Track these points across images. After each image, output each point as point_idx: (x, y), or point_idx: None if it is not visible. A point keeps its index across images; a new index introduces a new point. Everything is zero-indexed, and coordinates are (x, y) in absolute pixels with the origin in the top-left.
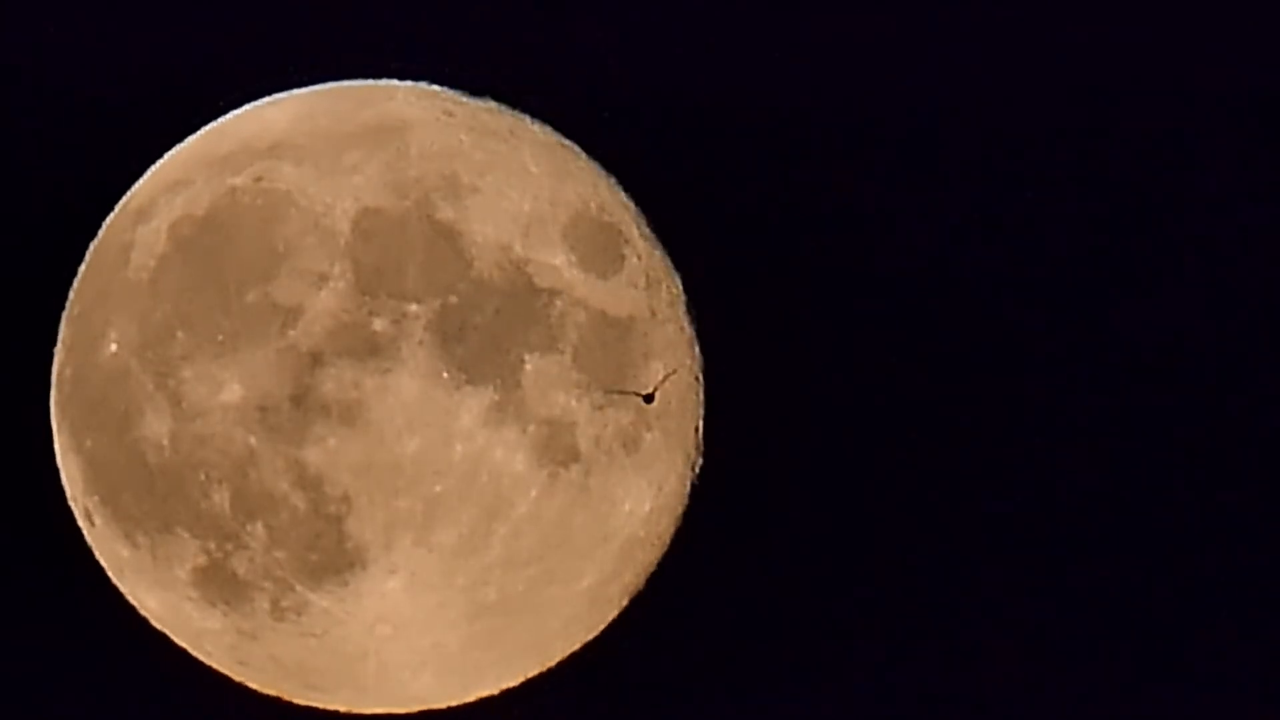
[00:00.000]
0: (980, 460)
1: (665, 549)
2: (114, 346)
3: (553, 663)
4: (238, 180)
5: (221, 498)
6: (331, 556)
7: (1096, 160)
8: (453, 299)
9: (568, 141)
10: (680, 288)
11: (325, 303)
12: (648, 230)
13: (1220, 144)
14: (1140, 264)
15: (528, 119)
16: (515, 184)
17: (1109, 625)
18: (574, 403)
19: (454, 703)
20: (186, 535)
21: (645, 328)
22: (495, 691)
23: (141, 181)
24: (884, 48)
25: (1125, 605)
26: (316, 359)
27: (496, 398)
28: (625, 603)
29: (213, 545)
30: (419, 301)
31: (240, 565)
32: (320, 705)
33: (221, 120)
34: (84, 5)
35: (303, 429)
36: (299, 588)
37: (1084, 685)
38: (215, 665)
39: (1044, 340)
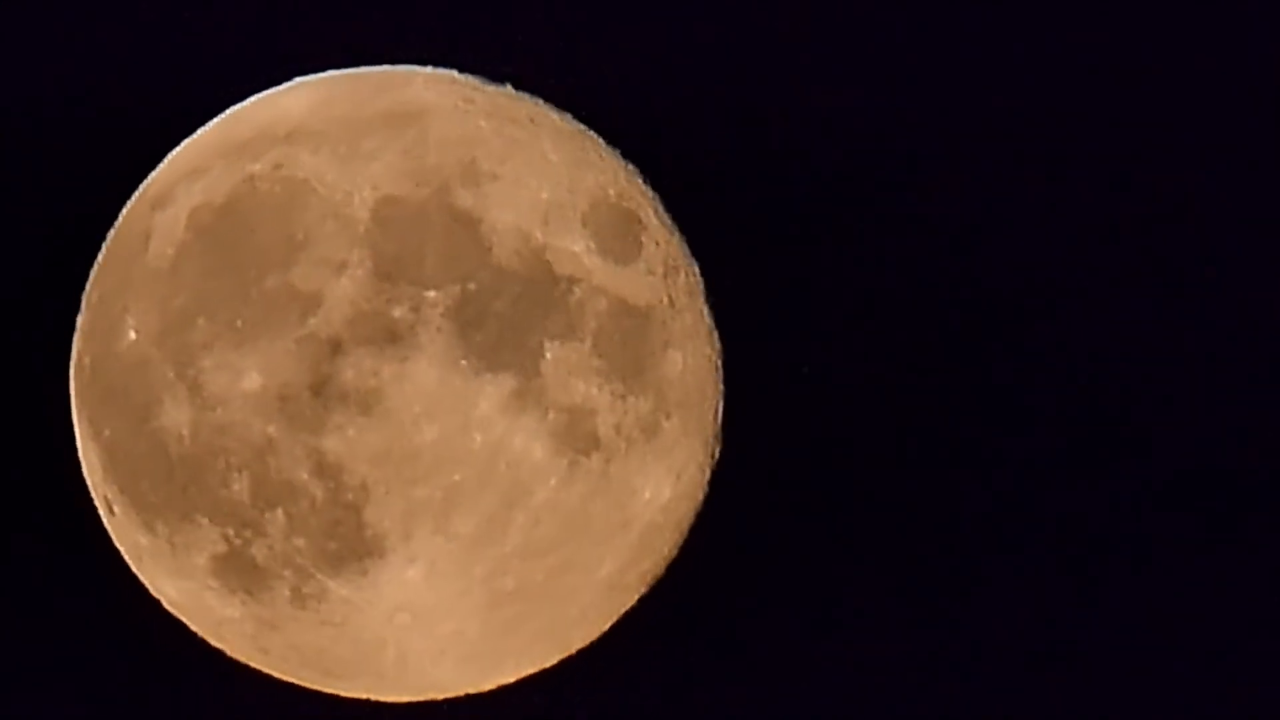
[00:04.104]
0: (1005, 450)
1: (684, 537)
2: (133, 334)
3: (572, 650)
4: (256, 167)
5: (241, 486)
6: (350, 545)
7: (1142, 159)
8: (471, 286)
9: (586, 129)
10: (698, 275)
11: (344, 290)
12: (666, 218)
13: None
14: (1183, 269)
15: (546, 106)
16: (534, 171)
17: (1148, 628)
18: (594, 390)
19: (473, 690)
20: (206, 523)
21: (664, 315)
22: (515, 679)
23: (159, 169)
24: (906, 36)
25: (1159, 606)
26: (336, 347)
27: (516, 385)
28: (644, 590)
29: (232, 533)
30: (438, 289)
31: (260, 553)
32: (340, 693)
33: (239, 107)
34: None
35: (322, 417)
36: (318, 576)
37: (1120, 687)
38: (235, 653)
39: (1069, 328)
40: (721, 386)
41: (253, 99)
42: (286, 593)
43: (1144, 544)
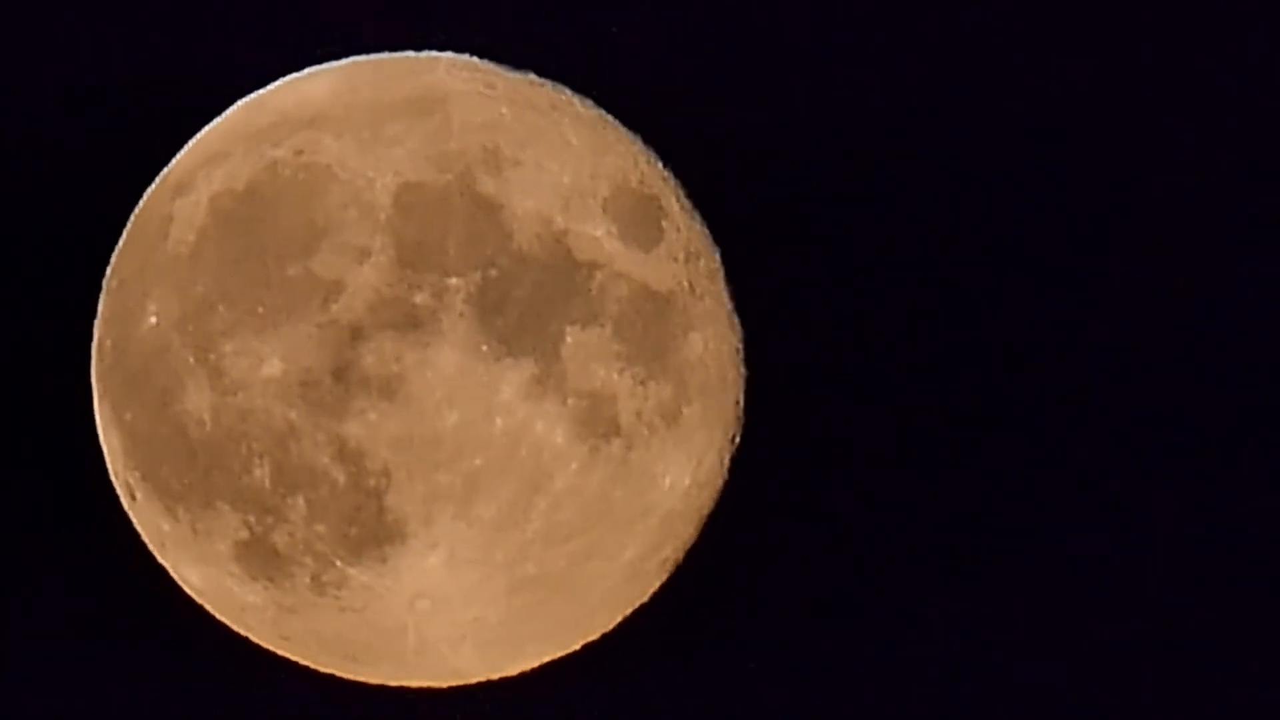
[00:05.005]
0: (1026, 435)
1: (705, 523)
2: (154, 320)
3: (592, 636)
4: (278, 153)
5: (262, 472)
6: (371, 530)
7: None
8: (493, 272)
9: (607, 115)
10: (719, 261)
11: (366, 277)
12: (687, 203)
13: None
14: (1200, 272)
15: (568, 92)
16: (555, 157)
17: (1155, 630)
18: (615, 376)
19: (494, 676)
20: (227, 509)
21: (685, 301)
22: (535, 665)
23: (180, 154)
24: (929, 23)
25: (1166, 607)
26: (357, 333)
27: (537, 371)
28: (664, 577)
29: (253, 519)
30: (459, 275)
31: (281, 539)
32: (361, 679)
33: (261, 92)
34: None
35: (343, 403)
36: (339, 562)
37: (1125, 689)
38: (256, 639)
39: (1092, 311)
40: (743, 372)
41: (275, 84)
42: (307, 579)
43: (1157, 547)
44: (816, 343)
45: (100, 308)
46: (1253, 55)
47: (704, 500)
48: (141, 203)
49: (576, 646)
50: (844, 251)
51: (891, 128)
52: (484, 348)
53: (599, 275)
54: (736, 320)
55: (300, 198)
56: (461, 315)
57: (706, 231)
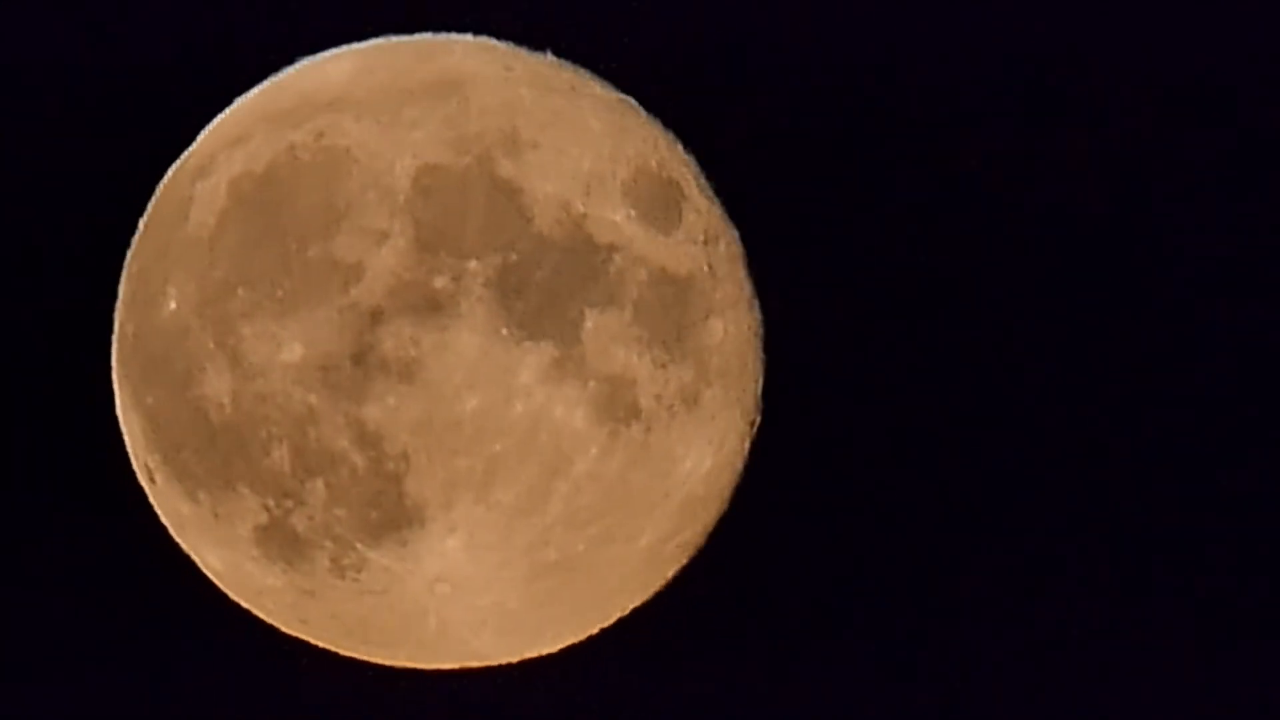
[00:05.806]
0: (1047, 420)
1: (725, 507)
2: (174, 304)
3: (612, 620)
4: (297, 136)
5: (282, 455)
6: (391, 514)
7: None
8: (513, 256)
9: (627, 97)
10: (739, 244)
11: (385, 260)
12: (706, 186)
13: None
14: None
15: (587, 74)
16: (575, 140)
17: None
18: (635, 359)
19: (513, 660)
20: (247, 493)
21: (705, 284)
22: (555, 649)
23: (200, 138)
24: (957, 5)
25: (1176, 610)
26: (376, 317)
27: (556, 354)
28: (684, 561)
29: (273, 503)
30: (478, 258)
31: (300, 523)
32: (380, 662)
33: (280, 75)
34: None
35: (362, 387)
36: (359, 546)
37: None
38: (276, 623)
39: (1114, 300)
40: (762, 356)
41: (294, 67)
42: (326, 563)
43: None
44: (836, 326)
45: (120, 292)
46: (1253, 55)
47: (724, 484)
48: (161, 186)
49: (596, 630)
50: (864, 235)
51: (914, 113)
52: (503, 331)
53: (619, 259)
54: (756, 303)
55: (320, 180)
56: (480, 299)
57: (726, 215)
